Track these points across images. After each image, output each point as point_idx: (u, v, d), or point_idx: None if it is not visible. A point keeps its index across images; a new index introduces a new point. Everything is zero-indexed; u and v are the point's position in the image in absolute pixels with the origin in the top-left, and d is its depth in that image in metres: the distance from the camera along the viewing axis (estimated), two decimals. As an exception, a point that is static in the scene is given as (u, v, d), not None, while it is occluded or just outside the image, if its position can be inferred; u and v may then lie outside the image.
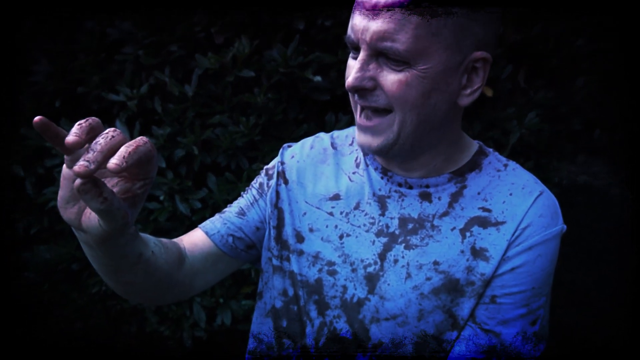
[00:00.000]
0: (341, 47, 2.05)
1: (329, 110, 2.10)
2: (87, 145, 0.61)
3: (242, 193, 0.99)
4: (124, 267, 0.75)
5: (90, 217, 0.66)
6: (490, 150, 0.92)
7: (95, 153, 0.58)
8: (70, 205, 0.67)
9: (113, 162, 0.58)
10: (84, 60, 2.02)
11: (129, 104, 1.99)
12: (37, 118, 0.60)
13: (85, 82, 2.02)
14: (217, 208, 2.09)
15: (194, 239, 0.92)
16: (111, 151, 0.59)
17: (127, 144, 0.60)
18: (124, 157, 0.59)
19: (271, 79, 2.00)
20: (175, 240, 0.90)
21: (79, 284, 2.32)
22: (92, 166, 0.57)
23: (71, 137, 0.59)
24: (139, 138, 0.62)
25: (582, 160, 3.63)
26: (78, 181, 0.59)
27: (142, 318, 2.34)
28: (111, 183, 0.66)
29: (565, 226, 0.85)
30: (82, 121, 0.61)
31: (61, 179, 0.67)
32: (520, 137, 2.25)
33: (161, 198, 2.08)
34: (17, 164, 2.11)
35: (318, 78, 1.99)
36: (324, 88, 2.05)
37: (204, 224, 0.94)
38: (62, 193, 0.67)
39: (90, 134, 0.60)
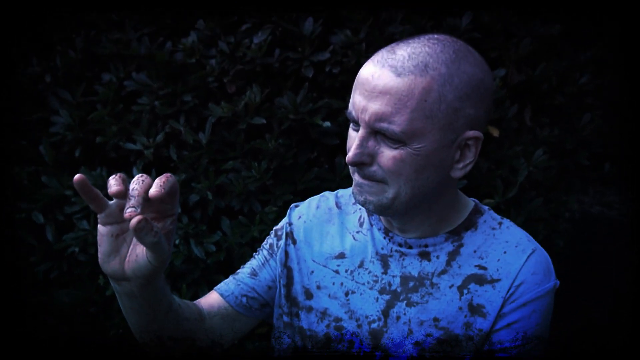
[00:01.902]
0: (349, 92, 2.14)
1: (338, 153, 2.19)
2: (115, 201, 0.70)
3: (254, 254, 1.07)
4: (158, 317, 0.83)
5: (137, 259, 0.75)
6: (486, 208, 0.99)
7: (136, 198, 0.69)
8: (112, 258, 0.76)
9: (153, 191, 0.70)
10: (102, 111, 2.13)
11: (146, 152, 2.08)
12: (77, 176, 0.70)
13: (103, 132, 2.13)
14: (231, 251, 2.16)
15: (211, 301, 0.99)
16: (147, 192, 0.68)
17: (158, 178, 0.72)
18: (160, 185, 0.71)
19: (282, 125, 2.09)
20: (194, 302, 0.97)
21: (97, 326, 2.39)
22: (138, 209, 0.67)
23: (114, 188, 0.69)
24: (165, 174, 0.71)
25: (596, 191, 3.66)
26: (134, 220, 0.68)
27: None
28: None
29: (558, 282, 0.91)
30: (115, 175, 0.73)
31: (98, 237, 0.76)
32: (528, 174, 2.31)
33: (177, 242, 2.16)
34: (37, 210, 2.21)
35: (327, 123, 2.07)
36: (333, 132, 2.13)
37: (218, 286, 1.02)
38: (102, 249, 0.76)
39: (125, 185, 0.70)
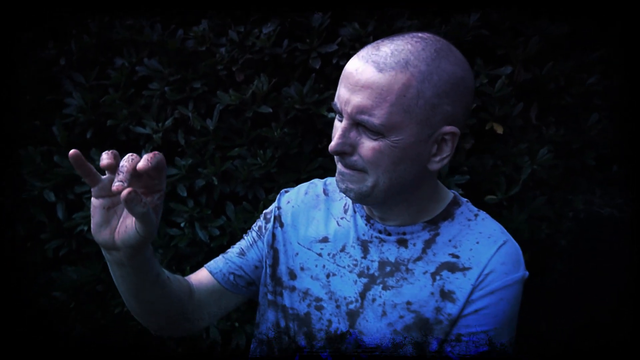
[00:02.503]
0: (355, 85, 2.19)
1: (342, 144, 2.24)
2: (107, 176, 0.78)
3: (243, 235, 1.13)
4: (146, 285, 0.90)
5: (127, 230, 0.83)
6: (464, 200, 1.04)
7: (124, 173, 0.76)
8: (103, 228, 0.83)
9: (141, 164, 0.77)
10: (114, 95, 2.21)
11: (155, 137, 2.16)
12: (72, 151, 0.77)
13: (115, 116, 2.21)
14: (235, 235, 2.24)
15: (200, 277, 1.07)
16: (134, 168, 0.75)
17: (146, 154, 0.79)
18: (148, 160, 0.79)
19: (288, 115, 2.15)
20: (184, 277, 1.05)
21: (103, 304, 2.48)
22: (125, 183, 0.74)
23: (105, 161, 0.77)
24: (154, 152, 0.78)
25: (604, 192, 3.67)
26: (125, 192, 0.75)
27: (160, 340, 2.49)
28: None
29: (527, 273, 0.96)
30: (107, 151, 0.80)
31: (92, 209, 0.84)
32: (532, 172, 2.34)
33: (182, 225, 2.24)
34: (49, 189, 2.30)
35: (332, 114, 2.13)
36: (338, 123, 2.18)
37: (208, 264, 1.09)
38: (94, 220, 0.83)
39: (115, 160, 0.77)
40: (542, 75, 2.33)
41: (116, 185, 0.76)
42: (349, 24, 2.17)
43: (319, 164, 2.23)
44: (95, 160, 2.24)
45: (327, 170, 2.21)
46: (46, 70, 2.28)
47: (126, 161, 0.78)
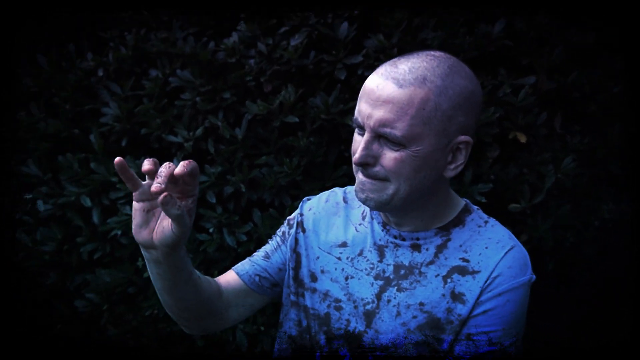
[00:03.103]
0: (379, 95, 2.28)
1: (367, 153, 2.32)
2: (147, 181, 0.92)
3: (268, 240, 1.23)
4: (180, 283, 1.00)
5: (163, 230, 0.93)
6: (475, 207, 1.12)
7: (162, 177, 0.87)
8: (143, 229, 0.94)
9: (177, 170, 0.89)
10: (148, 105, 2.33)
11: (186, 145, 2.28)
12: (117, 159, 0.88)
13: (148, 125, 2.33)
14: (261, 241, 2.34)
15: (228, 278, 1.17)
16: (171, 174, 0.87)
17: (181, 162, 0.91)
18: (184, 166, 0.90)
19: (314, 124, 2.25)
20: (214, 279, 1.15)
21: (134, 306, 2.61)
22: (163, 185, 0.84)
23: (147, 166, 0.90)
24: (188, 160, 0.92)
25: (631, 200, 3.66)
26: (162, 196, 0.85)
27: (190, 341, 2.60)
28: None
29: (534, 276, 1.03)
30: (149, 159, 0.92)
31: (133, 211, 0.95)
32: (556, 181, 2.39)
33: (210, 230, 2.35)
34: (85, 194, 2.43)
35: (357, 124, 2.21)
36: (362, 133, 2.27)
37: (235, 266, 1.19)
38: (135, 222, 0.94)
39: (155, 167, 0.88)
40: (567, 83, 2.38)
41: (155, 186, 0.86)
42: (373, 36, 2.25)
43: (343, 172, 2.32)
44: (131, 167, 2.37)
45: (351, 179, 2.29)
46: (85, 81, 2.42)
47: (164, 167, 0.88)
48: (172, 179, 0.88)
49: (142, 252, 0.98)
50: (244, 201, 2.34)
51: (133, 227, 0.95)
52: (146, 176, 0.92)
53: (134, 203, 0.94)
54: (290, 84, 2.26)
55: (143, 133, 2.35)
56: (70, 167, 2.44)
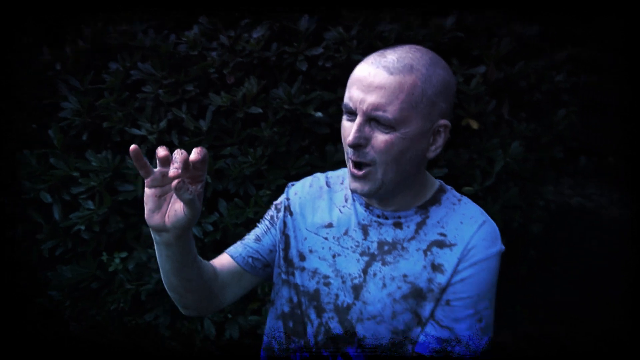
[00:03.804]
0: (340, 85, 2.40)
1: (328, 141, 2.44)
2: (159, 169, 0.99)
3: (257, 224, 1.32)
4: (187, 264, 1.09)
5: (176, 213, 1.01)
6: (449, 187, 1.25)
7: (178, 163, 0.94)
8: (156, 213, 1.02)
9: (193, 157, 0.96)
10: (109, 98, 2.36)
11: (150, 138, 2.33)
12: (132, 146, 0.95)
13: (110, 118, 2.36)
14: (228, 231, 2.42)
15: (222, 261, 1.25)
16: (185, 160, 0.95)
17: (194, 149, 0.97)
18: (197, 153, 0.97)
19: (277, 115, 2.34)
20: (209, 262, 1.23)
21: (98, 301, 2.64)
22: (180, 170, 0.92)
23: (162, 153, 0.97)
24: (199, 147, 0.99)
25: (574, 183, 3.95)
26: (175, 181, 0.93)
27: (156, 333, 2.65)
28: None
29: (503, 247, 1.17)
30: (162, 147, 0.99)
31: (145, 197, 1.02)
32: (505, 165, 2.58)
33: (176, 222, 2.40)
34: (45, 191, 2.44)
35: (319, 114, 2.33)
36: (324, 122, 2.38)
37: (228, 249, 1.28)
38: (148, 207, 1.01)
39: (166, 153, 0.97)
40: (513, 73, 2.56)
41: (172, 171, 0.94)
42: (333, 28, 2.36)
43: (306, 161, 2.43)
44: (92, 161, 2.40)
45: (314, 167, 2.40)
46: (42, 75, 2.42)
47: (178, 154, 0.96)
48: (185, 165, 0.96)
49: (153, 235, 1.05)
50: (209, 192, 2.41)
51: (146, 212, 1.02)
52: (157, 163, 1.00)
53: (146, 189, 1.01)
54: (253, 75, 2.35)
55: (105, 127, 2.37)
56: (28, 163, 2.44)
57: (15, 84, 2.38)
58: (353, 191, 1.15)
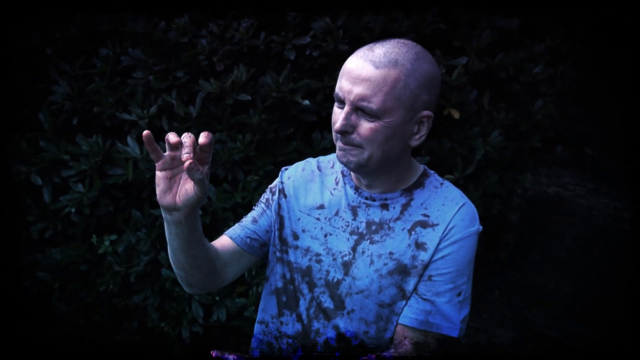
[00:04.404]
0: (327, 74, 2.50)
1: (315, 129, 2.55)
2: (168, 153, 1.09)
3: (253, 207, 1.43)
4: (194, 241, 1.19)
5: (187, 192, 1.12)
6: (432, 172, 1.37)
7: (189, 147, 1.05)
8: (167, 194, 1.12)
9: (202, 140, 1.07)
10: (100, 84, 2.44)
11: (140, 123, 2.41)
12: (145, 132, 1.05)
13: (100, 103, 2.44)
14: (216, 215, 2.52)
15: (222, 242, 1.36)
16: (194, 142, 1.06)
17: (202, 134, 1.08)
18: (206, 137, 1.08)
19: (265, 102, 2.44)
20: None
21: (87, 283, 2.72)
22: (191, 154, 1.03)
23: (175, 139, 1.07)
24: (206, 132, 1.09)
25: (552, 172, 4.12)
26: (187, 163, 1.04)
27: (144, 314, 2.75)
28: None
29: (481, 227, 1.30)
30: (172, 132, 1.09)
31: (156, 180, 1.13)
32: (485, 153, 2.71)
33: (166, 206, 2.50)
34: (35, 173, 2.52)
35: (306, 102, 2.43)
36: (311, 110, 2.49)
37: (227, 231, 1.39)
38: (160, 189, 1.12)
39: (178, 139, 1.07)
40: (493, 65, 2.69)
41: (185, 156, 1.04)
42: (320, 19, 2.46)
43: (293, 148, 2.53)
44: (82, 146, 2.48)
45: (301, 154, 2.51)
46: (32, 59, 2.49)
47: (186, 138, 1.06)
48: (193, 147, 1.06)
49: (164, 214, 1.16)
50: (198, 177, 2.50)
51: (157, 193, 1.12)
52: (167, 148, 1.10)
53: (157, 172, 1.11)
54: (242, 63, 2.44)
55: (95, 111, 2.45)
56: (18, 146, 2.51)
57: (5, 68, 2.44)
58: (342, 163, 1.26)
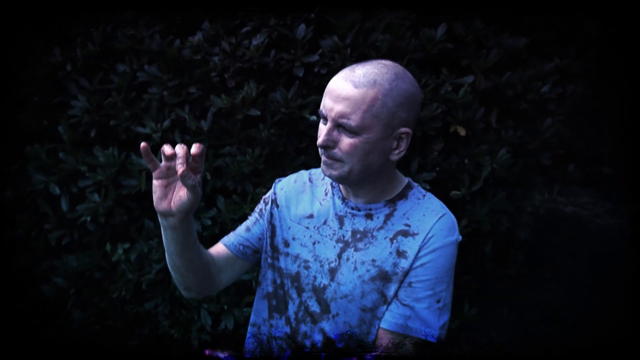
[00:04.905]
0: (334, 91, 2.61)
1: (323, 144, 2.65)
2: (164, 163, 1.19)
3: (248, 216, 1.54)
4: (189, 246, 1.30)
5: (181, 199, 1.23)
6: (416, 184, 1.46)
7: (181, 157, 1.16)
8: (163, 200, 1.24)
9: (194, 150, 1.19)
10: (116, 98, 2.59)
11: (154, 136, 2.55)
12: (143, 144, 1.16)
13: (117, 116, 2.59)
14: (225, 225, 2.63)
15: (217, 249, 1.48)
16: (187, 152, 1.18)
17: (194, 144, 1.20)
18: (197, 147, 1.19)
19: (274, 117, 2.56)
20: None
21: (101, 289, 2.86)
22: (185, 165, 1.15)
23: (170, 151, 1.19)
24: (198, 143, 1.21)
25: (566, 191, 4.14)
26: (180, 171, 1.15)
27: (155, 321, 2.87)
28: None
29: (460, 237, 1.38)
30: (167, 144, 1.21)
31: (153, 188, 1.25)
32: (492, 170, 2.78)
33: (177, 216, 2.63)
34: (54, 183, 2.67)
35: (314, 117, 2.54)
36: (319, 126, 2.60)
37: (222, 239, 1.50)
38: (156, 196, 1.24)
39: (174, 150, 1.18)
40: (501, 83, 2.77)
41: (178, 166, 1.16)
42: (329, 37, 2.58)
43: (301, 162, 2.64)
44: (99, 157, 2.62)
45: (308, 168, 2.58)
46: (53, 75, 2.65)
47: (179, 149, 1.18)
48: (186, 156, 1.18)
49: (160, 220, 1.27)
50: (208, 188, 2.63)
51: (154, 200, 1.24)
52: (163, 159, 1.21)
53: (154, 181, 1.23)
54: (252, 80, 2.57)
55: (112, 125, 2.60)
56: (37, 157, 2.67)
57: (27, 84, 2.61)
58: (326, 175, 1.36)
